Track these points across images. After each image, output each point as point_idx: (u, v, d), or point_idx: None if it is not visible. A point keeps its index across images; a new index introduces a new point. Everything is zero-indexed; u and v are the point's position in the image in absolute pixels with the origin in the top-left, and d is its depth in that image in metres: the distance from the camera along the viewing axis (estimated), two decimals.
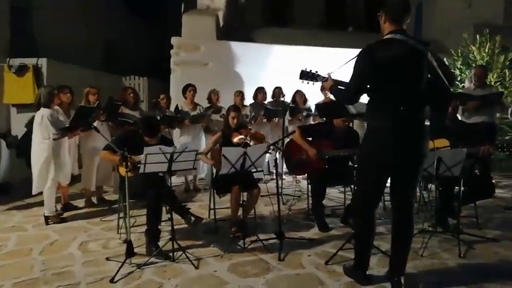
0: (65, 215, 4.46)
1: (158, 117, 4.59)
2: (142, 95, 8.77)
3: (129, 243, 3.00)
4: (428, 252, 3.23)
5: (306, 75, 2.96)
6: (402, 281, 2.55)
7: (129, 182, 3.02)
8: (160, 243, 3.29)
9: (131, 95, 5.16)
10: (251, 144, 3.99)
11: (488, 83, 6.23)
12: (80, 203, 4.95)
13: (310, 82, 2.98)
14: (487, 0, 9.87)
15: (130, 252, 3.00)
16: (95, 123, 4.28)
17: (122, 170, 3.24)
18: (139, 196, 3.40)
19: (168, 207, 3.52)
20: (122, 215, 3.72)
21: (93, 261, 3.16)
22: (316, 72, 2.95)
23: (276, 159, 3.78)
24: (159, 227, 3.44)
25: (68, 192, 4.79)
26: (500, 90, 5.94)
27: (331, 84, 2.79)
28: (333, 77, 2.84)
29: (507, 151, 3.67)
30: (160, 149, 3.06)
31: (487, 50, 7.55)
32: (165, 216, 3.52)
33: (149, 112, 5.78)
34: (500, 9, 9.92)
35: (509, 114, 5.42)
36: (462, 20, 9.51)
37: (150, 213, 3.32)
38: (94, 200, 5.02)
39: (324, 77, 2.88)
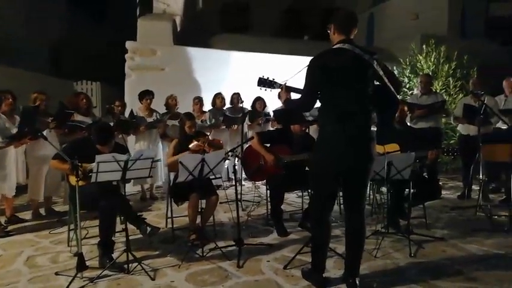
0: (10, 228, 4.18)
1: (111, 123, 4.44)
2: (95, 101, 8.46)
3: (80, 256, 2.85)
4: (381, 253, 3.35)
5: (264, 83, 3.06)
6: (357, 282, 2.63)
7: (80, 192, 2.88)
8: (115, 255, 3.16)
9: (83, 100, 4.95)
10: (209, 151, 3.96)
11: (434, 90, 6.63)
12: (27, 215, 4.67)
13: (268, 89, 3.07)
14: (432, 13, 10.52)
15: (81, 266, 2.85)
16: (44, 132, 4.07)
17: (73, 179, 3.09)
18: (91, 206, 3.24)
19: (122, 218, 3.40)
20: (72, 226, 3.55)
21: (41, 276, 2.98)
22: (273, 79, 3.04)
23: (234, 165, 3.79)
24: (113, 238, 3.31)
25: (13, 204, 4.49)
26: (444, 97, 6.34)
27: (286, 97, 2.87)
28: (289, 84, 2.92)
29: (451, 155, 3.91)
30: (113, 156, 2.95)
31: (432, 60, 8.03)
32: (119, 227, 3.39)
33: (102, 118, 5.56)
34: (445, 21, 10.62)
35: (452, 119, 5.78)
36: (410, 30, 10.07)
37: (102, 224, 3.19)
38: (42, 211, 4.75)
39: (281, 84, 2.97)
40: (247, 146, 4.40)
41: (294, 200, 5.46)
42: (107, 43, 12.13)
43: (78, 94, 5.22)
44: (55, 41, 10.19)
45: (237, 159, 4.20)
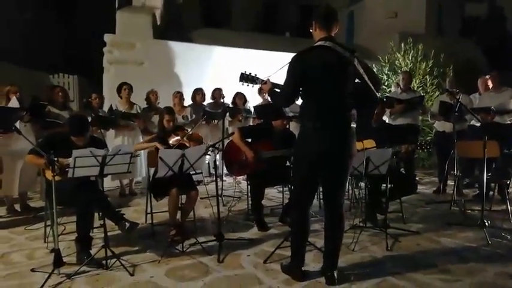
0: None
1: (90, 118, 4.35)
2: (72, 95, 8.26)
3: (57, 252, 2.79)
4: (358, 247, 3.41)
5: (246, 78, 3.04)
6: (335, 275, 2.68)
7: (57, 187, 2.82)
8: (93, 251, 3.11)
9: (60, 93, 4.83)
10: (188, 146, 3.94)
11: (412, 88, 6.77)
12: (1, 211, 4.55)
13: (250, 85, 3.06)
14: (410, 11, 10.71)
15: (58, 262, 2.79)
16: (17, 124, 3.95)
17: (49, 174, 3.02)
18: (69, 202, 3.19)
19: (100, 214, 3.35)
20: (49, 222, 3.47)
21: (17, 273, 2.91)
22: (255, 75, 3.03)
23: (215, 161, 3.78)
24: (91, 234, 3.27)
25: None
26: (422, 94, 6.50)
27: (269, 87, 2.87)
28: (271, 80, 2.92)
29: (425, 149, 4.01)
30: (91, 151, 2.90)
31: (410, 58, 8.19)
32: (97, 222, 3.34)
33: (80, 112, 5.45)
34: (423, 20, 10.84)
35: (429, 116, 5.92)
36: (389, 28, 10.22)
37: (80, 220, 3.13)
38: (17, 207, 4.62)
39: (263, 80, 2.96)
40: (229, 141, 4.39)
41: (274, 195, 5.50)
42: (85, 35, 11.83)
43: (54, 87, 5.09)
44: (31, 32, 9.87)
45: (218, 155, 4.19)
